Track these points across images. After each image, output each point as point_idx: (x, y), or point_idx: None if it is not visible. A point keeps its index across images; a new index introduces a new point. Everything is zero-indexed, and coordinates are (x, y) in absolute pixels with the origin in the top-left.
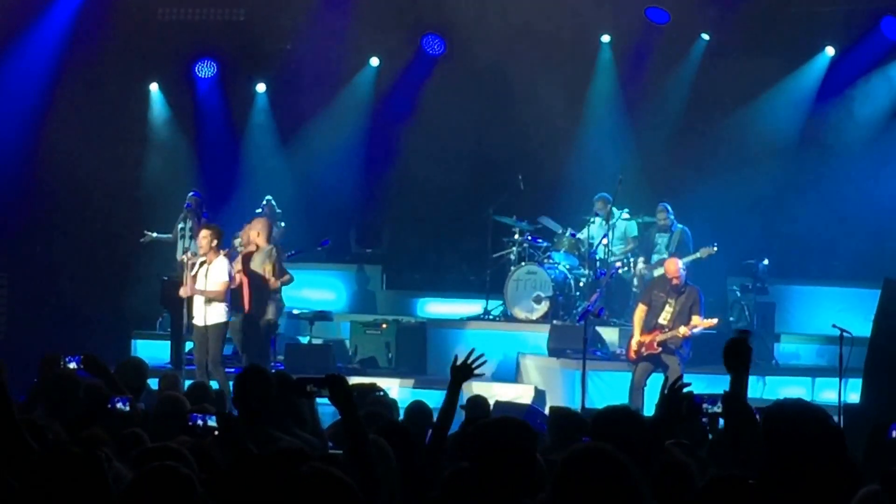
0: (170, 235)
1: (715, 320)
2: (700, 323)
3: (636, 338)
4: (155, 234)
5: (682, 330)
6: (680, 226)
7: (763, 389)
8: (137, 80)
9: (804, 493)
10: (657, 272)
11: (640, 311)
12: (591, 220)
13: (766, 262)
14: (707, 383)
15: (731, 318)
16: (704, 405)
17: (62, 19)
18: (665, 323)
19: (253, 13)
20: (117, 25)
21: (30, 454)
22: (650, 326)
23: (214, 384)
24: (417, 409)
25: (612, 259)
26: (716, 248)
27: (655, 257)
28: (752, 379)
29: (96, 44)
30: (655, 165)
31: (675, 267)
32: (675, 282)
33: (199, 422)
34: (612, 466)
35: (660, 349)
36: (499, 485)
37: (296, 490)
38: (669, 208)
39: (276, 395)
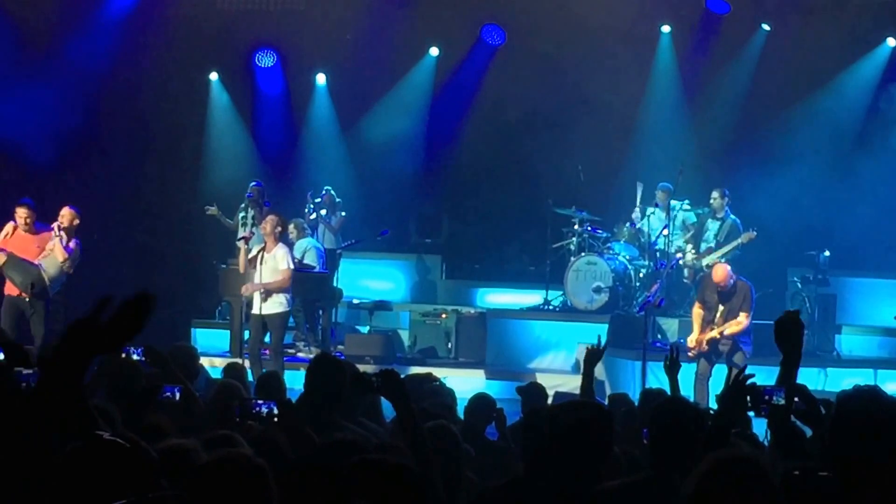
0: (231, 221)
1: (741, 318)
2: (732, 324)
3: (694, 335)
4: (217, 210)
5: (715, 332)
6: (732, 217)
7: (825, 381)
8: (198, 69)
9: (871, 486)
10: (705, 261)
11: (697, 309)
12: (651, 211)
13: (827, 253)
14: (768, 375)
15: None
16: (774, 397)
17: (124, 9)
18: (718, 322)
19: (313, 3)
20: (178, 15)
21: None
22: (707, 325)
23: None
24: (480, 400)
25: (673, 249)
26: (755, 234)
27: (704, 246)
28: (813, 371)
29: (157, 33)
30: (715, 156)
31: (723, 274)
32: (719, 288)
33: (264, 409)
34: (756, 476)
35: (707, 347)
36: (577, 465)
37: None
38: (727, 193)
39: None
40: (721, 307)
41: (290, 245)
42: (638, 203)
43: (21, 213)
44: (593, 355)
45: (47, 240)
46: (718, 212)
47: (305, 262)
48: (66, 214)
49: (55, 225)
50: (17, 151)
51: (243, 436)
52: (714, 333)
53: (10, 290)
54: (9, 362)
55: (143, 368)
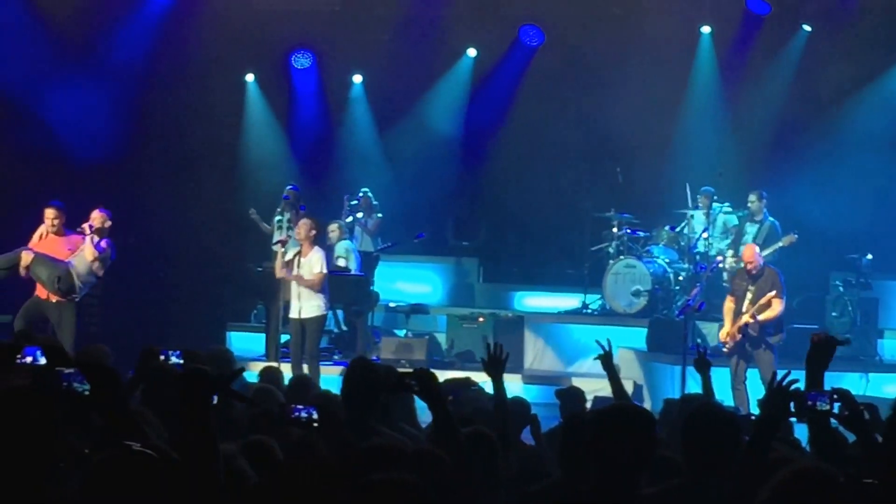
0: (268, 226)
1: (774, 304)
2: (766, 300)
3: (726, 329)
4: (257, 215)
5: (745, 317)
6: (770, 219)
7: (866, 387)
8: (234, 70)
9: None
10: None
11: (729, 303)
12: (691, 214)
13: (869, 256)
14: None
15: (834, 314)
16: (818, 403)
17: (160, 9)
18: (745, 311)
19: (349, 3)
20: (214, 16)
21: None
22: (737, 316)
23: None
24: (516, 405)
25: (715, 253)
26: (796, 236)
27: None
28: (855, 376)
29: (193, 34)
30: (755, 158)
31: (752, 252)
32: (748, 267)
33: (303, 414)
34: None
35: (741, 335)
36: (617, 470)
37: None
38: (764, 195)
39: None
40: (749, 293)
41: (330, 247)
42: (689, 205)
43: (49, 213)
44: (605, 359)
45: (78, 243)
46: (756, 215)
47: (348, 265)
48: (96, 217)
49: (85, 226)
50: (53, 152)
51: (281, 440)
52: (746, 317)
53: (40, 292)
54: (50, 364)
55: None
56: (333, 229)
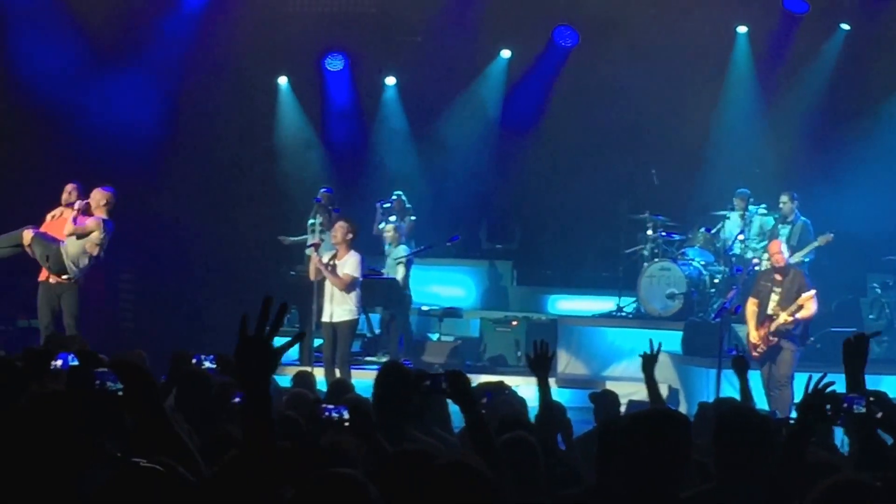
0: (306, 236)
1: (808, 304)
2: (803, 300)
3: (752, 334)
4: (291, 239)
5: (783, 317)
6: (802, 219)
7: None
8: (266, 73)
9: None
10: None
11: (752, 305)
12: (727, 215)
13: None
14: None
15: (871, 316)
16: (854, 405)
17: (193, 12)
18: (772, 312)
19: (383, 5)
20: (247, 18)
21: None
22: (762, 319)
23: None
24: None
25: (751, 255)
26: (832, 236)
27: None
28: (892, 378)
29: (226, 37)
30: (792, 159)
31: (777, 248)
32: (776, 258)
33: (334, 414)
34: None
35: (776, 339)
36: (652, 476)
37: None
38: (796, 196)
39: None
40: (775, 294)
41: (383, 251)
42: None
43: (67, 187)
44: (648, 361)
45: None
46: (788, 216)
47: (399, 276)
48: (94, 195)
49: (78, 202)
50: (88, 157)
51: (311, 445)
52: (785, 316)
53: (42, 275)
54: (83, 365)
55: (214, 377)
56: (389, 230)
